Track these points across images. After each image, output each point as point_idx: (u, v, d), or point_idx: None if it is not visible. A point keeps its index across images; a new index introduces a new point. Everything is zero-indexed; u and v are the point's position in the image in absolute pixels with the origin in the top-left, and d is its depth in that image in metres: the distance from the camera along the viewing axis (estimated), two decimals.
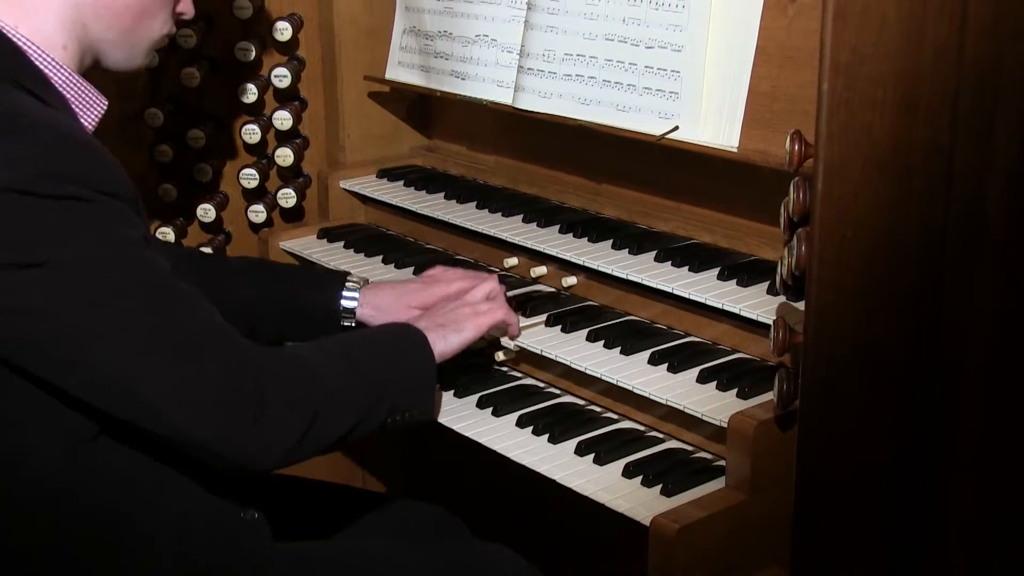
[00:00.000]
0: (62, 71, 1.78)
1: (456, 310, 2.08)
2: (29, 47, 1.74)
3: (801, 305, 1.71)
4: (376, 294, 2.21)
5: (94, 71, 1.87)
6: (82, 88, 1.81)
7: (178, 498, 1.81)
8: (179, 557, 1.81)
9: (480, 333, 2.07)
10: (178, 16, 1.94)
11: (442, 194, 2.66)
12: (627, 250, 2.24)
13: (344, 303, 2.19)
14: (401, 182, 2.77)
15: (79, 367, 1.62)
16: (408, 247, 2.64)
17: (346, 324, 2.20)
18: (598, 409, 2.14)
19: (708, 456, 1.97)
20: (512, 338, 2.15)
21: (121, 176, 1.67)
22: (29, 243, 1.56)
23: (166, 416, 1.65)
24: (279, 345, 2.09)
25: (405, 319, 2.13)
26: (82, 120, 1.81)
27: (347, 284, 2.20)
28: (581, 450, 1.98)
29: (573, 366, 2.08)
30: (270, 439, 1.71)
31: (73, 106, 1.80)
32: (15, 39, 1.73)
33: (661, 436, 2.04)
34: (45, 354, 1.62)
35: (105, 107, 1.86)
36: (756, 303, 2.00)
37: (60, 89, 1.77)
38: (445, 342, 2.01)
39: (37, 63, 1.74)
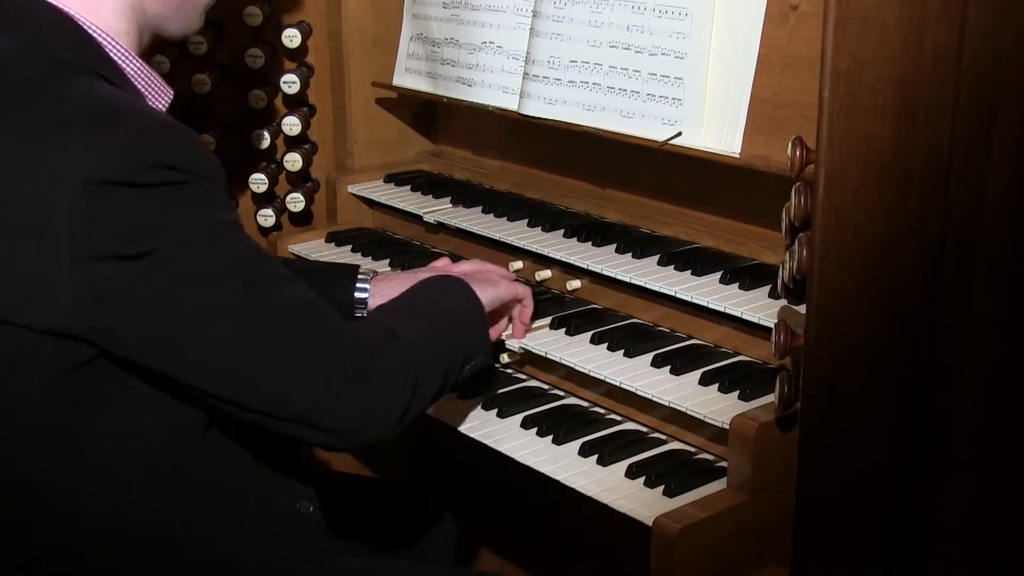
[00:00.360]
0: (133, 61, 1.78)
1: (487, 271, 2.16)
2: (103, 38, 1.73)
3: (802, 308, 1.71)
4: (385, 284, 2.21)
5: None
6: (152, 78, 1.81)
7: (248, 497, 1.83)
8: (250, 556, 1.83)
9: (511, 294, 2.13)
10: None
11: (448, 199, 2.66)
12: (631, 254, 2.25)
13: (357, 295, 2.19)
14: (408, 187, 2.77)
15: (187, 353, 1.63)
16: (414, 250, 2.65)
17: (358, 315, 2.20)
18: (602, 411, 2.14)
19: (710, 457, 1.97)
20: (522, 322, 2.18)
21: (211, 157, 1.69)
22: (131, 234, 1.56)
23: (278, 396, 1.66)
24: None
25: None
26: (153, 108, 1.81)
27: (359, 277, 2.21)
28: (585, 451, 1.99)
29: (577, 368, 2.08)
30: (381, 409, 1.73)
31: (145, 96, 1.80)
32: (90, 30, 1.72)
33: (664, 437, 2.05)
34: (152, 342, 1.62)
35: (171, 96, 1.87)
36: (758, 306, 2.00)
37: (133, 80, 1.77)
38: (484, 292, 2.04)
39: (111, 54, 1.74)
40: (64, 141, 1.56)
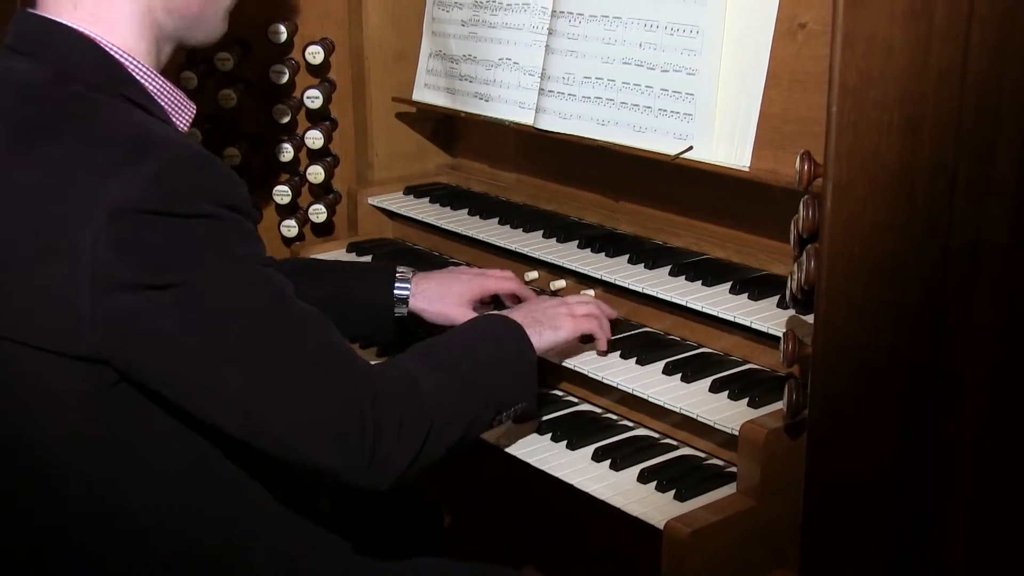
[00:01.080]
0: (155, 79, 1.77)
1: (554, 308, 2.05)
2: (124, 58, 1.72)
3: (810, 318, 1.71)
4: (426, 283, 2.20)
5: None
6: (174, 94, 1.80)
7: (272, 503, 1.82)
8: (275, 558, 1.82)
9: (575, 335, 2.05)
10: None
11: (466, 210, 2.66)
12: (643, 265, 2.24)
13: (398, 293, 2.17)
14: (427, 199, 2.78)
15: (204, 391, 1.60)
16: (433, 261, 2.64)
17: (399, 313, 2.18)
18: (614, 417, 2.14)
19: (720, 463, 1.97)
20: (599, 352, 2.11)
21: (242, 189, 1.65)
22: (155, 264, 1.53)
23: (289, 442, 1.63)
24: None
25: (452, 314, 2.13)
26: (177, 124, 1.80)
27: (398, 275, 2.19)
28: (598, 456, 1.98)
29: (590, 375, 2.08)
30: (387, 461, 1.67)
31: (168, 111, 1.79)
32: (111, 52, 1.71)
33: (675, 443, 2.04)
34: (173, 377, 1.59)
35: (194, 111, 1.86)
36: (766, 316, 2.00)
37: (156, 97, 1.76)
38: (540, 337, 1.98)
39: (134, 74, 1.73)
40: (94, 169, 1.54)
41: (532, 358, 1.94)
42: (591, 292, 2.31)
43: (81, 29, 1.70)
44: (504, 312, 2.04)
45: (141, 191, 1.52)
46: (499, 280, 2.23)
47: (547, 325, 2.01)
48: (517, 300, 2.24)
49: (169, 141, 1.61)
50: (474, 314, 2.14)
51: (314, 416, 1.63)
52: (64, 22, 1.71)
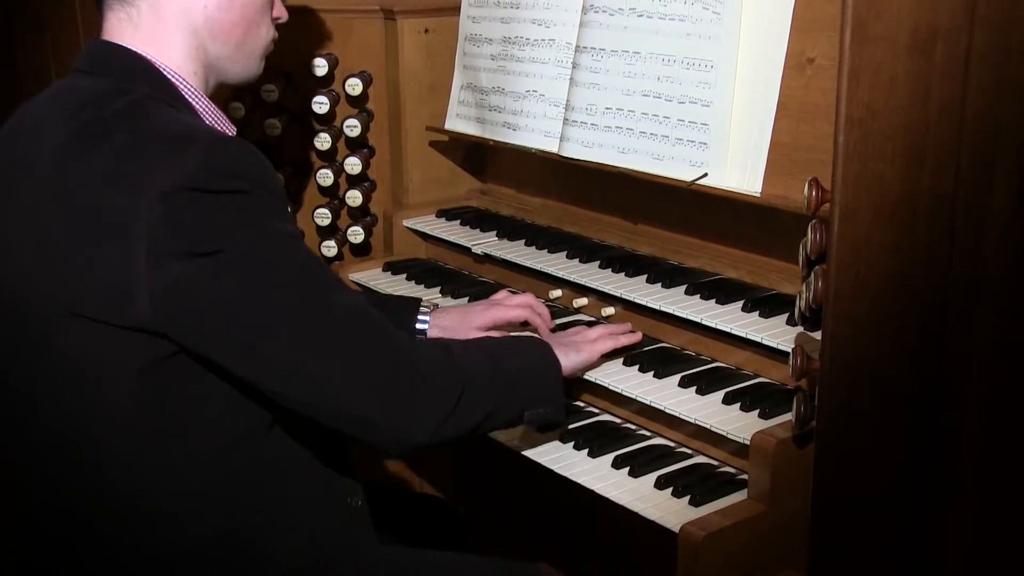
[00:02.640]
0: (201, 99, 1.83)
1: (572, 337, 2.10)
2: (175, 77, 1.80)
3: (817, 335, 1.71)
4: (443, 316, 2.21)
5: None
6: (217, 114, 1.87)
7: (306, 491, 1.83)
8: (306, 544, 1.82)
9: (594, 358, 2.08)
10: (275, 20, 1.97)
11: (494, 232, 2.67)
12: (660, 284, 2.24)
13: (418, 326, 2.19)
14: (457, 221, 2.79)
15: (250, 352, 1.64)
16: (463, 279, 2.66)
17: None
18: (633, 427, 2.14)
19: (732, 470, 1.97)
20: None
21: (273, 172, 1.71)
22: (200, 234, 1.59)
23: (330, 395, 1.67)
24: None
25: (474, 335, 2.13)
26: None
27: (420, 309, 2.21)
28: (617, 464, 1.98)
29: (611, 388, 2.08)
30: (421, 415, 1.71)
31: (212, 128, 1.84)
32: (164, 71, 1.79)
33: (689, 452, 2.04)
34: (219, 340, 1.63)
35: (234, 132, 1.90)
36: (776, 333, 2.00)
37: (201, 115, 1.82)
38: (567, 359, 2.00)
39: (182, 91, 1.80)
40: (145, 158, 1.61)
41: (558, 372, 1.97)
42: (611, 309, 2.31)
43: (138, 50, 1.79)
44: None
45: (187, 174, 1.58)
46: (510, 309, 2.22)
47: (571, 348, 2.04)
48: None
49: (210, 133, 1.70)
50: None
51: (353, 367, 1.67)
52: (124, 45, 1.79)
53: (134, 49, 1.78)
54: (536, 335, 2.15)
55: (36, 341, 1.69)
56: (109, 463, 1.70)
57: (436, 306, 2.25)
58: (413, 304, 2.23)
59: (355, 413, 1.68)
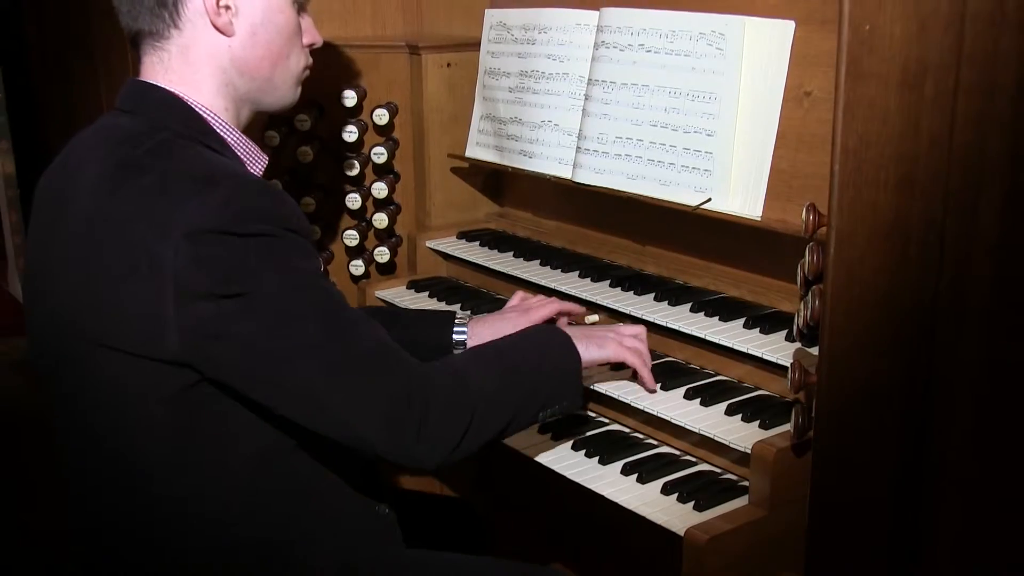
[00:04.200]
0: (233, 132, 1.82)
1: (604, 332, 2.05)
2: (206, 114, 1.79)
3: (814, 350, 1.71)
4: (481, 326, 2.20)
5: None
6: (249, 146, 1.86)
7: (336, 499, 1.82)
8: (336, 551, 1.81)
9: (618, 357, 2.02)
10: (309, 47, 1.94)
11: (511, 252, 2.68)
12: (667, 302, 2.25)
13: (456, 337, 2.18)
14: (477, 242, 2.80)
15: (273, 385, 1.63)
16: (482, 296, 2.66)
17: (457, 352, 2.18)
18: (641, 436, 2.14)
19: (734, 477, 1.97)
20: (648, 391, 2.07)
21: (301, 215, 1.69)
22: (226, 276, 1.57)
23: (347, 424, 1.65)
24: None
25: None
26: (250, 171, 1.84)
27: (457, 321, 2.20)
28: (626, 470, 1.99)
29: (620, 399, 2.08)
30: (434, 442, 1.69)
31: (243, 160, 1.84)
32: (196, 108, 1.78)
33: (694, 460, 2.04)
34: (245, 374, 1.62)
35: (267, 161, 1.90)
36: (776, 348, 2.00)
37: (233, 148, 1.82)
38: (586, 350, 1.97)
39: (214, 126, 1.79)
40: (172, 197, 1.59)
41: (577, 363, 1.93)
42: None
43: (172, 90, 1.78)
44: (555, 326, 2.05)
45: (212, 214, 1.57)
46: (541, 308, 2.22)
47: (594, 342, 2.00)
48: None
49: (235, 174, 1.67)
50: None
51: (368, 399, 1.64)
52: (159, 84, 1.79)
53: (168, 88, 1.78)
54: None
55: (77, 362, 1.70)
56: (152, 476, 1.70)
57: (471, 316, 2.24)
58: (449, 317, 2.23)
59: (366, 442, 1.67)
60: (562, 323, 2.25)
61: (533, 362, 1.89)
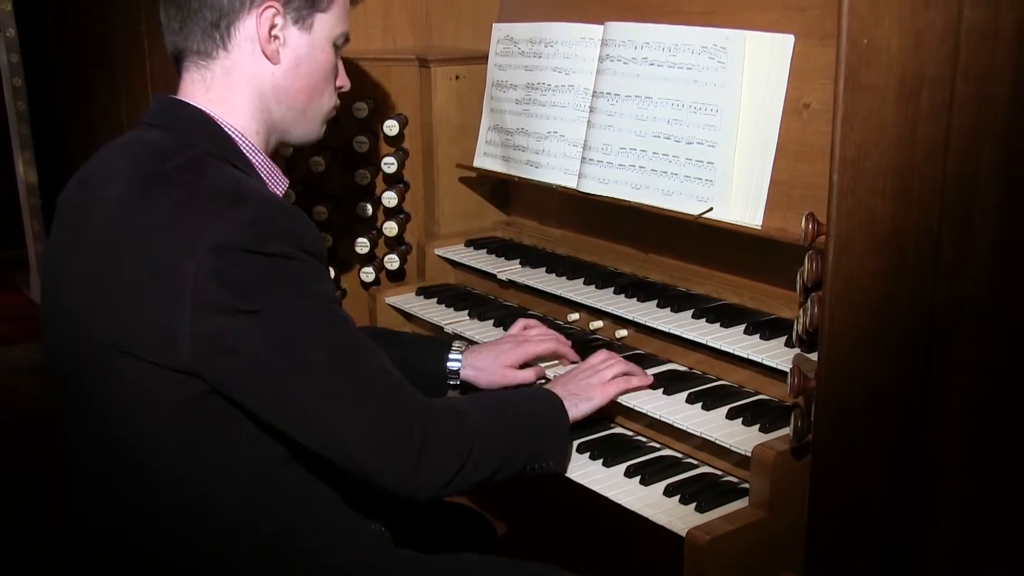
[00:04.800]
0: (258, 154, 1.84)
1: (587, 380, 2.05)
2: (236, 135, 1.80)
3: (814, 356, 1.71)
4: (476, 356, 2.19)
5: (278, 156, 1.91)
6: (272, 169, 1.87)
7: (332, 514, 1.81)
8: (333, 569, 1.81)
9: (605, 402, 2.05)
10: (338, 89, 1.97)
11: (518, 260, 2.68)
12: (669, 308, 2.25)
13: (450, 365, 2.18)
14: (484, 250, 2.80)
15: (278, 401, 1.63)
16: (489, 303, 2.66)
17: (451, 383, 2.18)
18: (644, 439, 2.14)
19: (735, 480, 1.96)
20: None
21: (319, 238, 1.70)
22: (244, 292, 1.58)
23: (346, 450, 1.64)
24: None
25: (502, 378, 2.12)
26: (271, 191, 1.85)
27: (452, 348, 2.20)
28: (629, 473, 1.98)
29: (623, 403, 2.08)
30: (428, 475, 1.68)
31: (266, 182, 1.85)
32: (226, 128, 1.80)
33: (696, 462, 2.04)
34: (251, 390, 1.63)
35: (287, 184, 1.91)
36: (776, 354, 2.00)
37: (257, 169, 1.83)
38: (577, 408, 1.99)
39: (242, 148, 1.81)
40: (200, 212, 1.60)
41: (566, 429, 1.96)
42: (625, 332, 2.32)
43: (205, 109, 1.80)
44: (545, 386, 2.05)
45: (237, 232, 1.58)
46: (537, 345, 2.21)
47: (581, 397, 2.01)
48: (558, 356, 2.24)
49: (261, 194, 1.68)
50: (522, 374, 2.16)
51: (369, 426, 1.64)
52: (193, 103, 1.80)
53: (200, 107, 1.79)
54: (559, 367, 2.14)
55: (92, 366, 1.70)
56: (160, 481, 1.70)
57: (468, 344, 2.24)
58: (446, 343, 2.23)
59: (363, 468, 1.66)
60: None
61: (526, 418, 1.90)
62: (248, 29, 1.80)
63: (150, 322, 1.61)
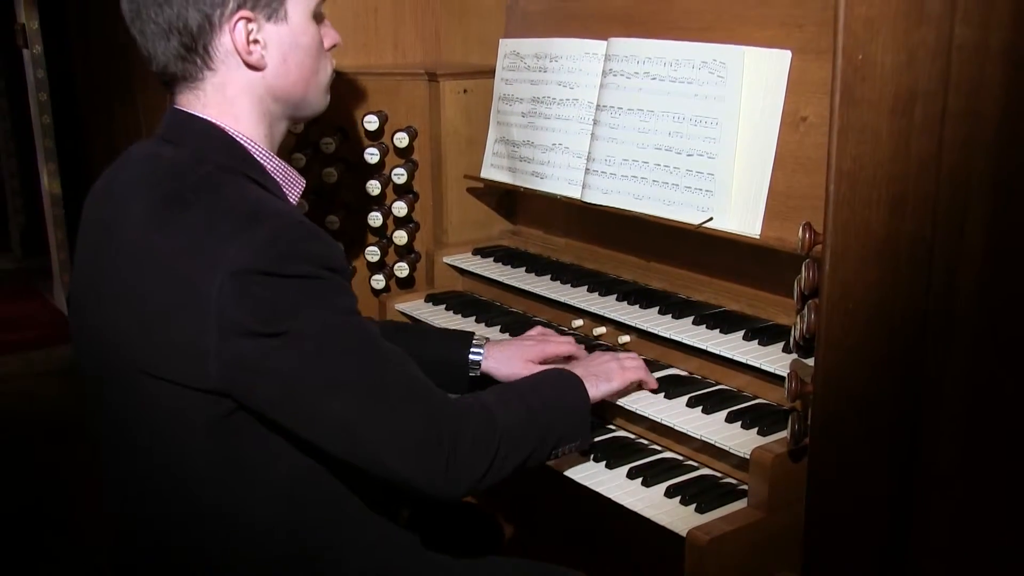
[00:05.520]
0: (272, 159, 1.79)
1: (607, 363, 2.05)
2: (247, 142, 1.76)
3: (810, 361, 1.71)
4: (499, 348, 2.18)
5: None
6: (287, 171, 1.83)
7: (361, 518, 1.81)
8: (363, 572, 1.80)
9: (625, 385, 2.04)
10: (331, 48, 1.89)
11: (523, 268, 2.68)
12: (670, 315, 2.25)
13: (472, 357, 2.17)
14: (491, 258, 2.80)
15: (308, 416, 1.61)
16: (495, 309, 2.66)
17: (472, 374, 2.17)
18: (645, 442, 2.14)
19: (734, 481, 1.96)
20: (650, 391, 2.10)
21: (339, 253, 1.67)
22: (268, 315, 1.55)
23: (379, 457, 1.63)
24: None
25: (523, 370, 2.11)
26: (289, 196, 1.83)
27: (474, 342, 2.19)
28: (632, 474, 1.98)
29: (626, 407, 2.08)
30: (460, 476, 1.67)
31: (282, 185, 1.82)
32: (237, 138, 1.75)
33: (696, 464, 2.04)
34: (284, 406, 1.60)
35: (304, 185, 1.88)
36: (774, 359, 1.99)
37: (272, 174, 1.79)
38: (596, 388, 1.98)
39: (255, 155, 1.76)
40: (218, 234, 1.56)
41: (587, 406, 1.94)
42: (627, 338, 2.31)
43: (213, 120, 1.75)
44: (566, 366, 2.05)
45: (256, 254, 1.54)
46: (559, 345, 2.21)
47: (601, 378, 2.00)
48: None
49: (279, 213, 1.63)
50: (541, 370, 2.14)
51: (399, 434, 1.62)
52: (200, 115, 1.76)
53: (210, 119, 1.75)
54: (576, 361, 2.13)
55: (123, 384, 1.69)
56: (196, 491, 1.69)
57: (487, 339, 2.23)
58: (468, 337, 2.22)
59: (396, 475, 1.64)
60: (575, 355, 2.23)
61: (550, 404, 1.87)
62: (225, 45, 1.73)
63: (178, 347, 1.58)
